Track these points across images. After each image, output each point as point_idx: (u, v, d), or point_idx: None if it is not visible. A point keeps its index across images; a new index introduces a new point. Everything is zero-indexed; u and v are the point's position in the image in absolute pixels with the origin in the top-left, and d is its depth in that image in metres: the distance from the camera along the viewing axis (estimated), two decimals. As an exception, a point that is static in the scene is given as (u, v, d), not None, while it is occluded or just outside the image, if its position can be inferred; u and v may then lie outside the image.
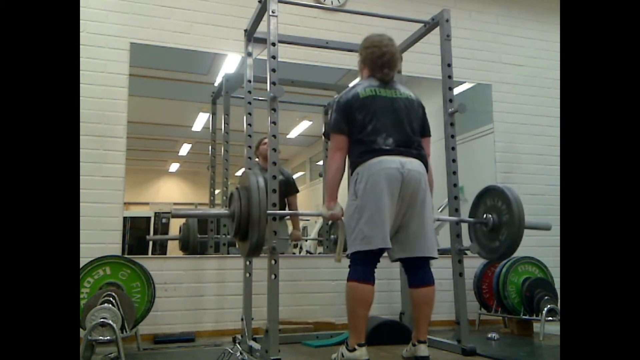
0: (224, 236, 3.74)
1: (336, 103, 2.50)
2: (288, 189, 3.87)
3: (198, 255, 3.66)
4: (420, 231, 2.40)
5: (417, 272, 2.45)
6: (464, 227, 2.91)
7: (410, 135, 2.45)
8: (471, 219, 2.92)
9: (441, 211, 3.93)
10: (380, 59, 2.49)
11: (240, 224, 2.38)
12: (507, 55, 4.57)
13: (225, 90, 3.88)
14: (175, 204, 4.27)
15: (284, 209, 3.81)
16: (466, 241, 2.87)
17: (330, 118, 2.53)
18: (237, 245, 2.63)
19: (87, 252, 3.01)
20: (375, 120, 2.41)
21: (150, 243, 3.88)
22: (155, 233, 4.02)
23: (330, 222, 4.09)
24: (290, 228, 4.01)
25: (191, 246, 3.65)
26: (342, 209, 2.47)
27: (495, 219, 2.82)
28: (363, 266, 2.35)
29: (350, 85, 2.58)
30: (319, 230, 4.40)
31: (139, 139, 3.72)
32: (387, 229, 2.32)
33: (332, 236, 4.11)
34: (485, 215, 2.87)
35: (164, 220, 4.10)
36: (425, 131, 2.57)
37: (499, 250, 2.80)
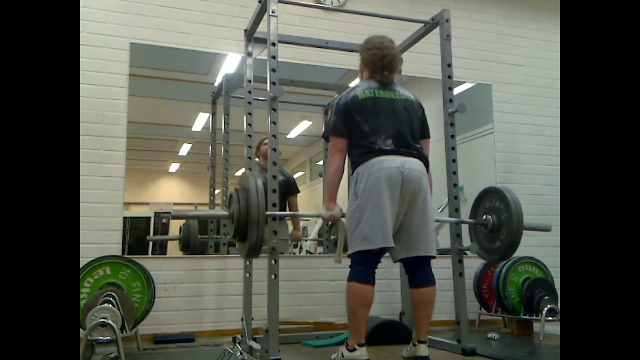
0: (224, 236, 3.74)
1: (335, 105, 2.50)
2: (288, 189, 3.87)
3: (198, 255, 3.66)
4: (422, 230, 2.40)
5: (418, 271, 2.45)
6: (464, 227, 2.91)
7: (409, 135, 2.45)
8: (471, 220, 2.92)
9: (441, 211, 3.93)
10: (380, 61, 2.48)
11: (240, 225, 2.39)
12: (507, 55, 4.57)
13: (225, 90, 3.87)
14: (175, 204, 4.26)
15: (285, 209, 3.81)
16: (466, 241, 2.87)
17: (329, 120, 2.53)
18: (237, 246, 2.63)
19: (87, 252, 3.00)
20: (374, 122, 2.41)
21: (150, 243, 3.88)
22: (155, 233, 4.01)
23: (330, 222, 4.10)
24: (290, 228, 4.01)
25: (191, 246, 3.65)
26: (341, 210, 2.48)
27: (494, 219, 2.82)
28: (363, 266, 2.35)
29: (350, 86, 2.58)
30: (319, 230, 4.40)
31: (139, 139, 3.72)
32: (388, 228, 2.31)
33: (332, 237, 4.10)
34: (485, 217, 2.88)
35: (164, 220, 4.10)
36: (424, 133, 2.58)
37: (500, 250, 2.80)
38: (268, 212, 2.38)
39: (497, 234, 2.82)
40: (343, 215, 2.48)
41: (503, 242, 2.77)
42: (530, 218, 2.84)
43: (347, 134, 2.44)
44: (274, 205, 2.44)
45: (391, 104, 2.46)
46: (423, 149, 2.50)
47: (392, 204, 2.33)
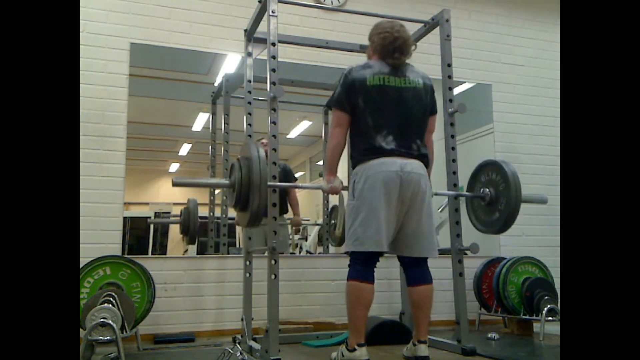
0: (223, 236, 3.74)
1: (344, 76, 2.46)
2: (285, 177, 3.87)
3: (198, 256, 3.66)
4: (419, 231, 2.40)
5: (414, 270, 2.45)
6: (465, 227, 2.90)
7: (413, 132, 2.44)
8: (468, 193, 2.95)
9: (441, 211, 3.94)
10: (392, 44, 2.45)
11: (241, 193, 2.39)
12: (507, 55, 4.57)
13: (225, 90, 3.87)
14: (175, 204, 4.27)
15: (283, 199, 3.81)
16: (466, 241, 2.87)
17: (335, 90, 2.49)
18: (236, 217, 2.63)
19: (87, 252, 3.00)
20: (378, 115, 2.39)
21: (150, 243, 3.88)
22: (155, 233, 4.02)
23: (330, 212, 4.10)
24: (290, 229, 4.02)
25: (191, 229, 3.63)
26: (341, 182, 2.47)
27: (492, 191, 2.84)
28: (362, 266, 2.35)
29: (364, 62, 2.50)
30: (319, 230, 4.40)
31: (139, 139, 3.72)
32: (382, 232, 2.31)
33: (332, 221, 4.08)
34: (482, 190, 2.90)
35: (164, 220, 4.11)
36: (432, 110, 2.57)
37: (499, 221, 2.81)
38: (269, 183, 2.38)
39: (495, 206, 2.83)
40: (344, 188, 2.49)
41: (502, 213, 2.78)
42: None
43: (349, 111, 2.43)
44: (274, 205, 2.44)
45: (399, 94, 2.42)
46: (425, 145, 2.49)
47: (389, 207, 2.33)
